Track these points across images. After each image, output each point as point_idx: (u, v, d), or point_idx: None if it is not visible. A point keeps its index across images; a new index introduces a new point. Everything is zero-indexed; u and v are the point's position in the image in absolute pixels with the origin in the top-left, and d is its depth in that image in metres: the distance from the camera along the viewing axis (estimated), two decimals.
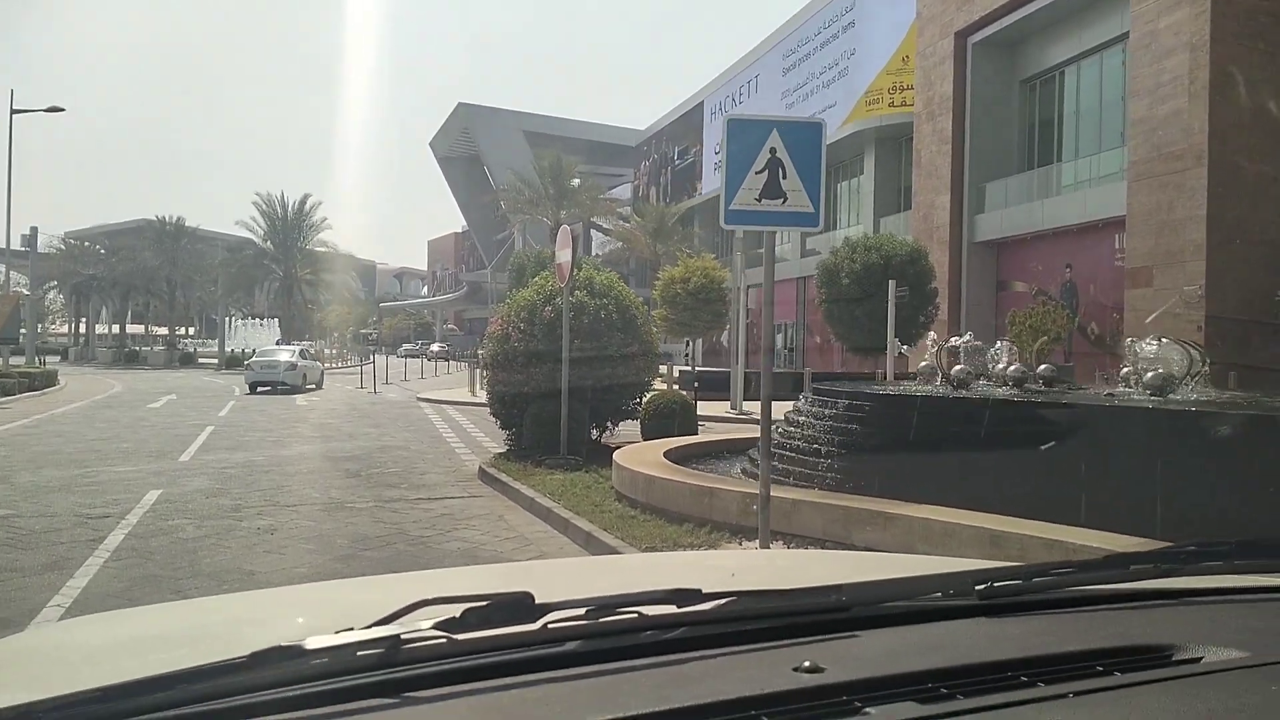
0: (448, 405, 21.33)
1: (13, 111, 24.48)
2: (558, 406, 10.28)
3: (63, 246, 60.04)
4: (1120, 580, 1.34)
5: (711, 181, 51.94)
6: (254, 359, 28.81)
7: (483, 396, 23.37)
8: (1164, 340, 6.33)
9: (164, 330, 58.80)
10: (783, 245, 46.39)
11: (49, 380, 26.67)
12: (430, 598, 1.05)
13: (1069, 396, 6.50)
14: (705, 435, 11.58)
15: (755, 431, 12.71)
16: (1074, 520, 5.01)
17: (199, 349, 59.43)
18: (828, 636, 1.15)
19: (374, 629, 1.01)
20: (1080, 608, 1.31)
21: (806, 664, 1.03)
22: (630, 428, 11.96)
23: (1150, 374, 5.96)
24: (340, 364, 52.78)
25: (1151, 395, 5.97)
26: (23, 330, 34.56)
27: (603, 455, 10.59)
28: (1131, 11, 21.81)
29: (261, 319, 61.34)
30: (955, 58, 31.28)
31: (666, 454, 8.49)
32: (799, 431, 7.61)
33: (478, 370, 26.27)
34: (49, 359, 59.17)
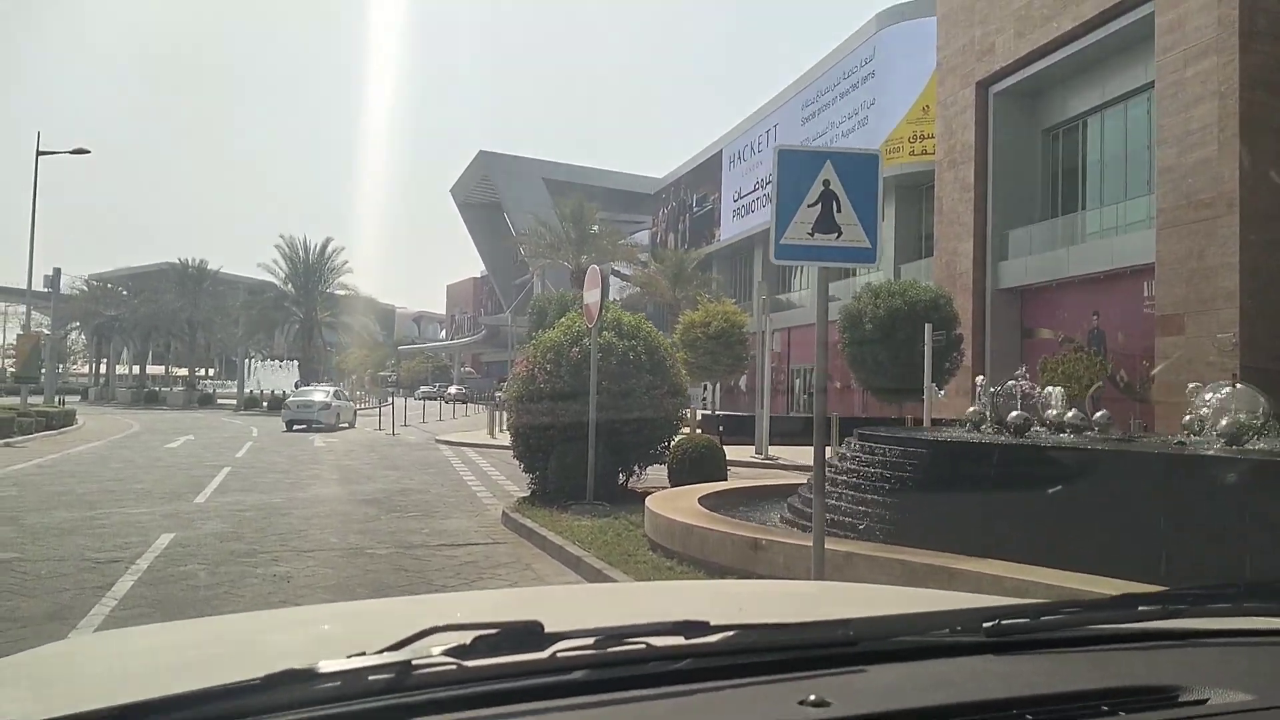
0: (467, 448, 21.01)
1: (39, 154, 24.72)
2: (584, 449, 9.96)
3: (85, 288, 60.63)
4: (1128, 620, 1.34)
5: (730, 228, 52.00)
6: (291, 399, 29.72)
7: (502, 439, 23.24)
8: (1238, 386, 5.96)
9: (184, 371, 58.95)
10: (800, 291, 46.23)
11: (67, 420, 26.56)
12: (441, 625, 1.08)
13: (1139, 444, 6.13)
14: (735, 480, 11.22)
15: (786, 478, 12.49)
16: (1153, 577, 4.63)
17: (218, 390, 59.51)
18: (835, 671, 1.15)
19: (385, 654, 1.02)
20: (1088, 647, 1.31)
21: (813, 698, 1.03)
22: (657, 472, 11.60)
23: (1225, 421, 5.60)
24: (358, 405, 52.71)
25: (1226, 444, 5.60)
26: (42, 370, 34.64)
27: (631, 501, 10.24)
28: (1156, 62, 21.66)
29: (281, 360, 61.48)
30: (977, 107, 31.26)
31: (701, 500, 8.14)
32: (843, 479, 7.25)
33: (497, 412, 26.01)
34: (69, 399, 59.44)
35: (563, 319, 11.40)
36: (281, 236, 43.41)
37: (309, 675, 0.95)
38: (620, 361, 10.40)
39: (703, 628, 1.14)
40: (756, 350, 25.16)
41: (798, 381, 43.83)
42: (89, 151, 25.94)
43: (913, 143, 37.17)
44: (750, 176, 52.55)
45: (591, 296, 10.04)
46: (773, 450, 18.68)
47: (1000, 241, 30.79)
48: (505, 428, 24.99)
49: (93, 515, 9.85)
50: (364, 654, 1.02)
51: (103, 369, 63.70)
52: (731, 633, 1.16)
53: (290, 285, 43.69)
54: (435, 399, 55.66)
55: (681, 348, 32.61)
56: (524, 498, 10.82)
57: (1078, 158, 29.83)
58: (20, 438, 20.86)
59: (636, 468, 11.22)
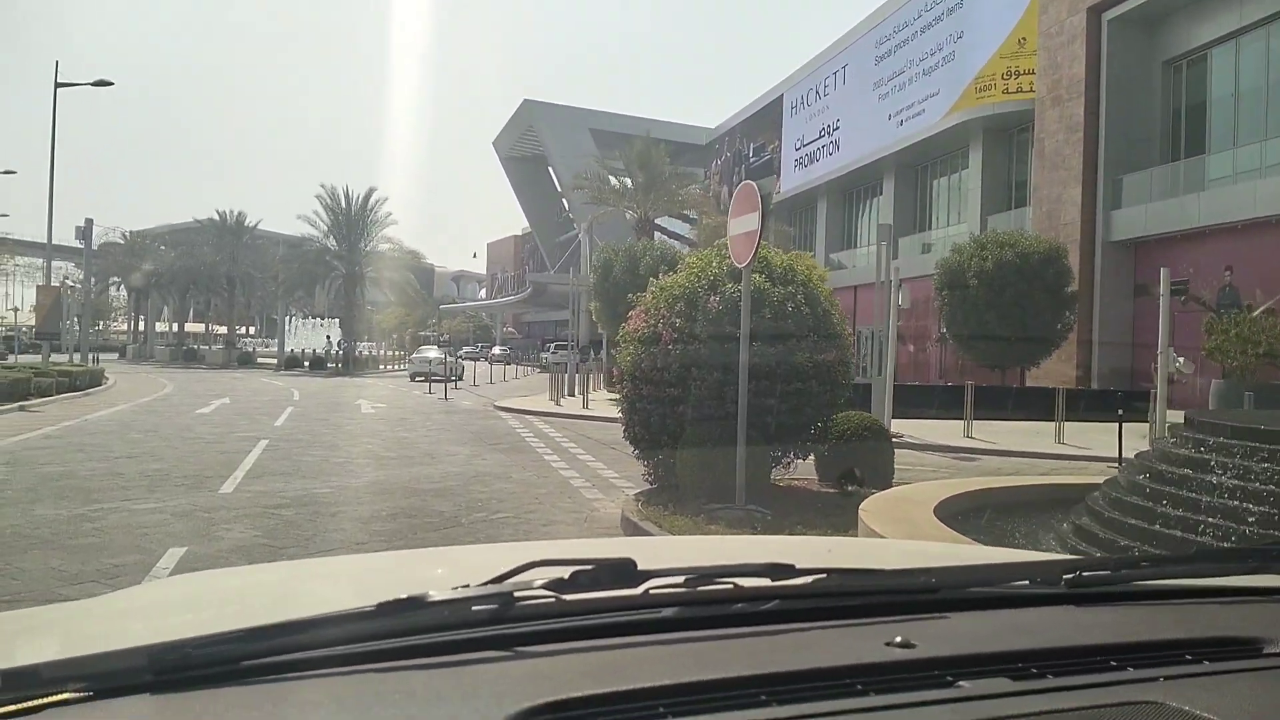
0: (533, 416, 18.57)
1: (56, 85, 22.40)
2: (726, 431, 7.40)
3: (121, 241, 58.97)
4: (1210, 575, 1.34)
5: (792, 179, 48.76)
6: (414, 357, 38.38)
7: (568, 406, 20.86)
8: None
9: (224, 329, 57.22)
10: (865, 248, 43.04)
11: (93, 380, 24.52)
12: (540, 559, 1.11)
13: None
14: (909, 471, 8.61)
15: (986, 465, 10.01)
16: None
17: (258, 349, 57.86)
18: (918, 616, 1.15)
19: (489, 586, 1.05)
20: (1167, 600, 1.30)
21: (898, 639, 1.04)
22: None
23: None
24: (400, 365, 50.62)
25: None
26: (70, 325, 32.74)
27: (789, 503, 7.67)
28: None
29: (322, 319, 59.62)
30: (1088, 36, 27.86)
31: (939, 512, 5.56)
32: (1205, 498, 4.61)
33: (563, 376, 23.52)
34: (107, 356, 58.11)
35: (692, 258, 8.68)
36: (323, 186, 41.07)
37: (418, 603, 1.00)
38: (776, 314, 7.75)
39: (790, 570, 1.15)
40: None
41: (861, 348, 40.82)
42: (111, 83, 23.55)
43: (1006, 79, 33.70)
44: (815, 123, 49.19)
45: (745, 224, 7.35)
46: (898, 425, 16.02)
47: (1113, 188, 27.53)
48: (571, 392, 22.88)
49: (84, 513, 7.46)
50: (468, 586, 1.05)
51: (141, 326, 62.25)
52: (818, 576, 1.17)
53: (332, 239, 41.32)
54: (477, 359, 53.69)
55: None
56: (643, 493, 8.29)
57: (1204, 92, 26.40)
58: (37, 400, 18.74)
59: (791, 457, 8.60)
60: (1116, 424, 16.65)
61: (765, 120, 54.69)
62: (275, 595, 1.54)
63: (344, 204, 41.06)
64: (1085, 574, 1.27)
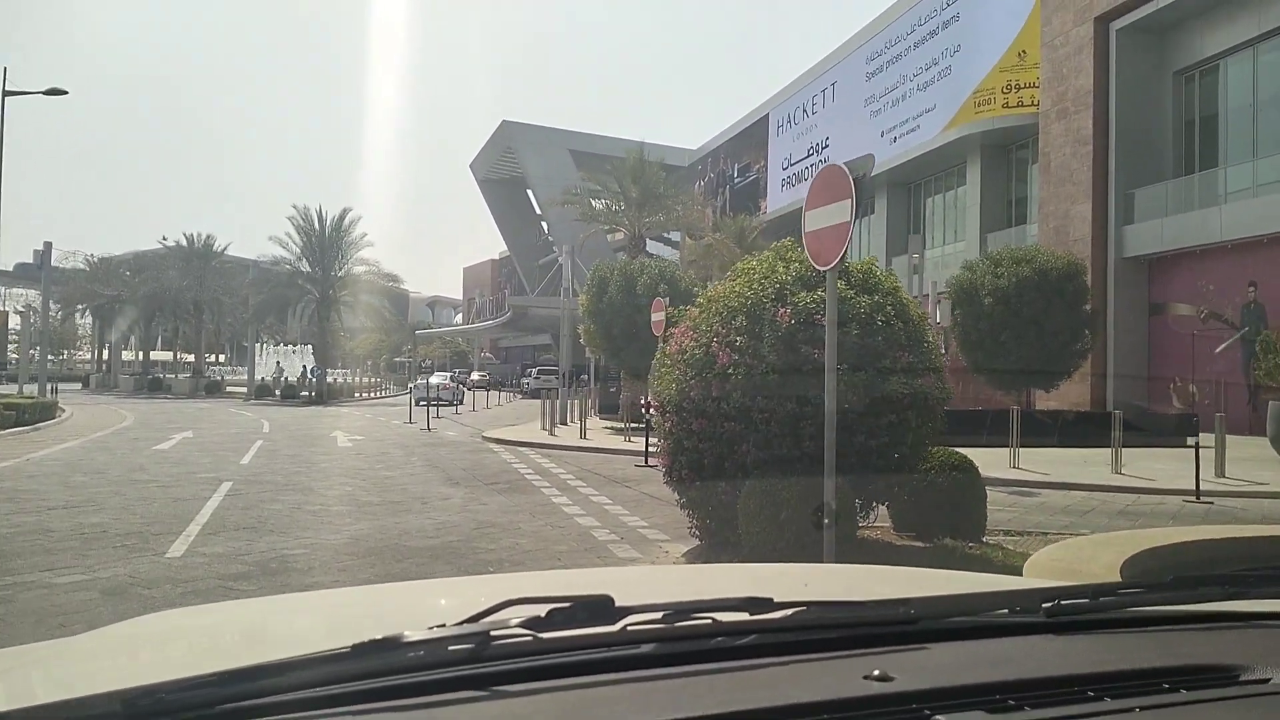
0: (527, 448, 16.94)
1: (4, 93, 20.58)
2: (800, 478, 5.87)
3: (85, 267, 56.80)
4: (1188, 602, 1.34)
5: (779, 198, 47.59)
6: (418, 383, 36.74)
7: (563, 436, 19.40)
8: None
9: (193, 357, 55.01)
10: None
11: (44, 413, 22.59)
12: (517, 597, 1.09)
13: None
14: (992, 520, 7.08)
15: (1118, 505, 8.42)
16: None
17: (228, 377, 55.74)
18: (897, 648, 1.15)
19: (464, 625, 1.06)
20: (1147, 628, 1.30)
21: (876, 673, 1.04)
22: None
23: None
24: (375, 394, 48.69)
25: None
26: (28, 353, 30.77)
27: (875, 561, 6.10)
28: None
29: (295, 345, 57.63)
30: (1096, 46, 26.84)
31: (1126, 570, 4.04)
32: None
33: (553, 404, 21.92)
34: (69, 386, 55.74)
35: (750, 262, 7.10)
36: (295, 206, 39.24)
37: (394, 644, 1.00)
38: (864, 329, 6.22)
39: (767, 605, 1.15)
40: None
41: None
42: (65, 92, 21.82)
43: (1007, 93, 32.69)
44: (803, 141, 48.12)
45: (830, 215, 5.81)
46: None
47: (1125, 202, 26.45)
48: (563, 420, 21.31)
49: None
50: (444, 625, 1.06)
51: (106, 355, 59.90)
52: (795, 610, 1.17)
53: (304, 261, 39.46)
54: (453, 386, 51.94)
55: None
56: (692, 552, 6.71)
57: (1219, 103, 25.40)
58: None
59: (874, 503, 7.03)
60: (1154, 449, 15.42)
61: (750, 140, 53.67)
62: (248, 634, 1.56)
63: (317, 225, 39.27)
64: (1064, 603, 1.27)
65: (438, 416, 24.46)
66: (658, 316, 16.71)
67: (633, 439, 17.15)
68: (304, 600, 2.44)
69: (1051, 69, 29.05)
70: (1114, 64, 26.82)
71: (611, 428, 20.90)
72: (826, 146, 45.48)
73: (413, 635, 1.01)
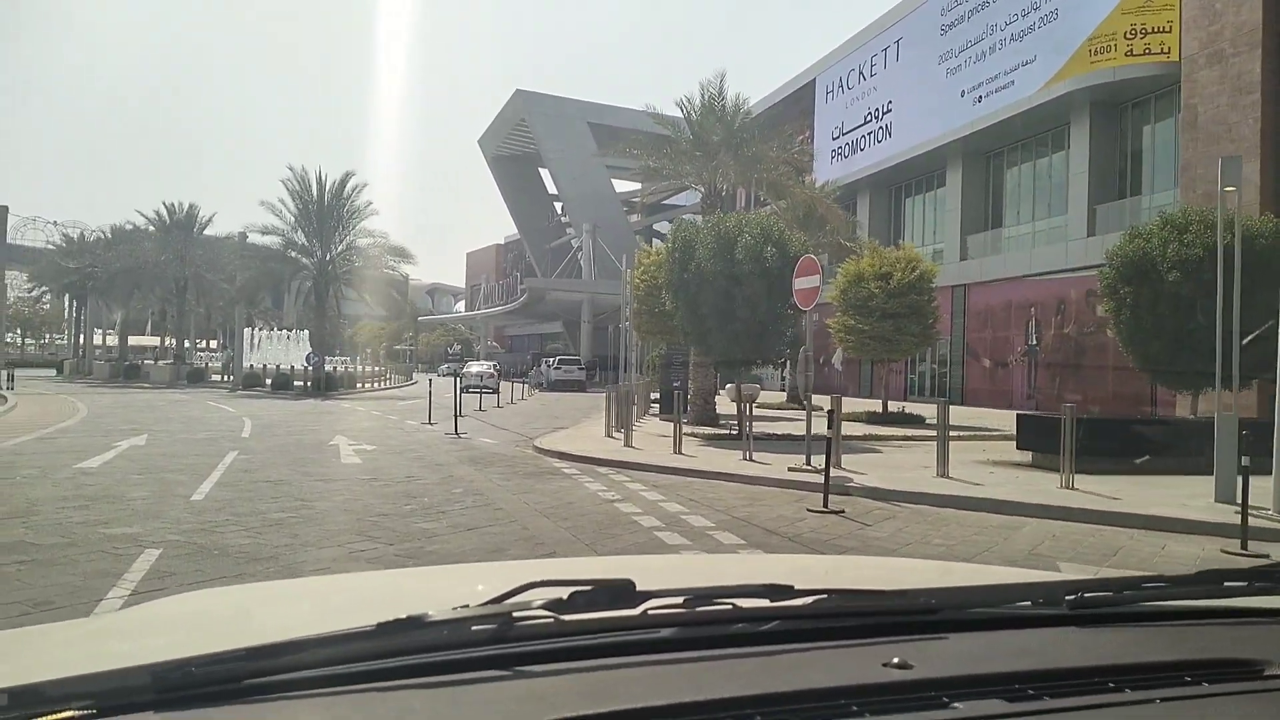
0: (609, 468, 11.96)
1: None
2: None
3: (62, 243, 51.69)
4: (1212, 596, 1.32)
5: (828, 171, 42.38)
6: (464, 371, 36.92)
7: (649, 448, 13.40)
8: None
9: (176, 342, 49.80)
10: (925, 248, 36.82)
11: None
12: (539, 580, 1.09)
13: None
14: None
15: None
16: None
17: (212, 364, 50.70)
18: (916, 637, 1.15)
19: (488, 606, 1.06)
20: (1170, 621, 1.29)
21: (895, 660, 1.04)
22: None
23: None
24: (380, 384, 43.62)
25: None
26: None
27: None
28: None
29: (290, 330, 52.61)
30: None
31: None
32: None
33: (615, 401, 16.82)
34: (43, 373, 50.65)
35: None
36: (290, 169, 33.98)
37: (419, 623, 1.00)
38: None
39: (788, 591, 1.15)
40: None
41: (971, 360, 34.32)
42: None
43: (1131, 39, 27.67)
44: (858, 107, 43.06)
45: None
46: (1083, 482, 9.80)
47: None
48: (627, 424, 16.38)
49: None
50: (468, 606, 1.06)
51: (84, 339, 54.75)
52: (816, 597, 1.17)
53: (300, 232, 34.30)
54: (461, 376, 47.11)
55: (843, 311, 23.47)
56: None
57: None
58: None
59: None
60: None
61: (793, 108, 48.47)
62: (274, 613, 1.54)
63: (315, 191, 34.10)
64: (1087, 595, 1.25)
65: (461, 415, 19.43)
66: (808, 282, 11.74)
67: (757, 456, 12.24)
68: (327, 583, 2.36)
69: (1199, 4, 24.04)
70: None
71: (698, 435, 15.94)
72: (889, 111, 40.48)
73: (437, 615, 1.02)
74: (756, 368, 21.60)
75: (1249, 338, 12.72)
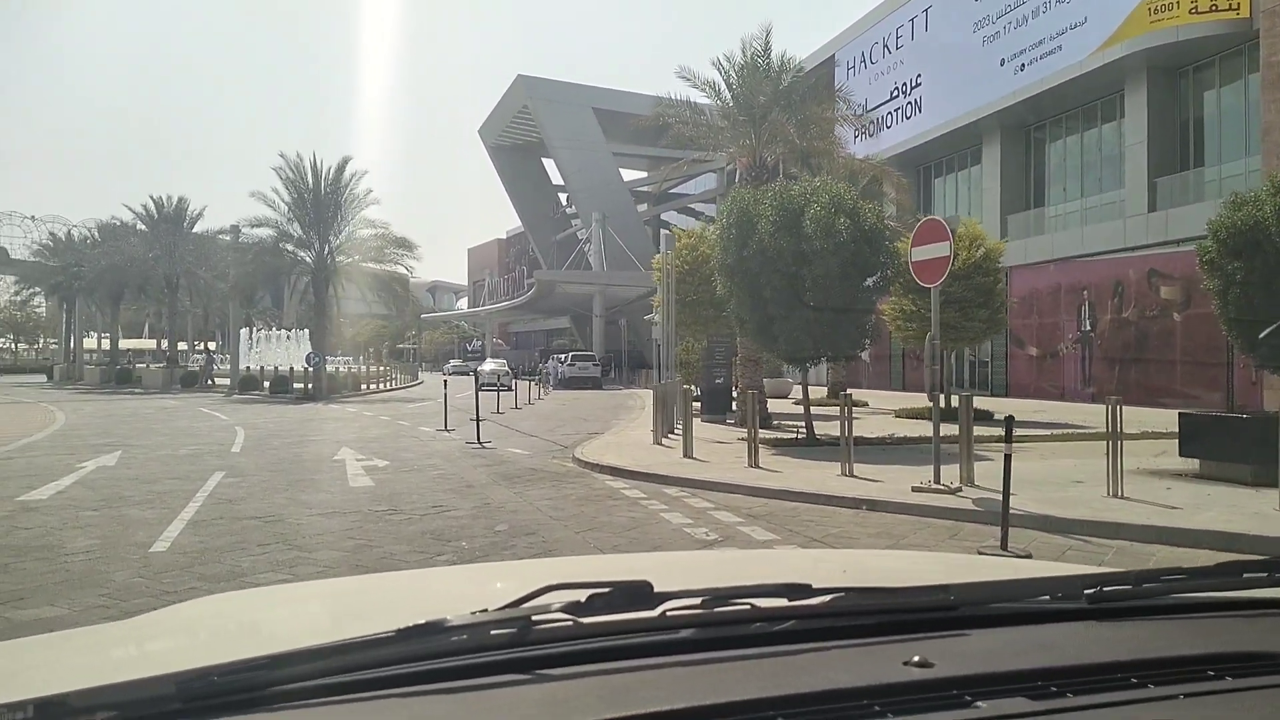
0: (674, 487, 9.72)
1: None
2: None
3: (48, 241, 49.40)
4: (1233, 588, 1.30)
5: (851, 150, 40.17)
6: (479, 369, 38.71)
7: (717, 462, 10.75)
8: None
9: (179, 344, 47.47)
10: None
11: None
12: (557, 583, 1.09)
13: None
14: None
15: None
16: None
17: (211, 367, 48.44)
18: (936, 634, 1.14)
19: (506, 610, 1.06)
20: (1191, 614, 1.27)
21: (916, 659, 1.03)
22: None
23: None
24: (385, 385, 41.35)
25: None
26: None
27: None
28: None
29: (289, 330, 50.32)
30: None
31: None
32: None
33: (663, 396, 14.48)
34: (30, 379, 48.45)
35: None
36: (283, 156, 31.68)
37: (438, 628, 1.00)
38: None
39: (806, 590, 1.14)
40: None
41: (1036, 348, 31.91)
42: None
43: None
44: (882, 83, 40.73)
45: None
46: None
47: None
48: (673, 429, 13.80)
49: None
50: (486, 610, 1.06)
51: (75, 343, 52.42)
52: (834, 595, 1.16)
53: (295, 224, 32.01)
54: (467, 375, 45.02)
55: (901, 294, 21.20)
56: None
57: None
58: None
59: None
60: None
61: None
62: (290, 617, 1.56)
63: (310, 179, 31.79)
64: (1107, 589, 1.24)
65: (475, 418, 17.19)
66: (932, 251, 9.47)
67: (858, 472, 9.99)
68: (345, 585, 2.31)
69: None
70: None
71: (760, 440, 13.66)
72: (918, 86, 38.15)
73: (456, 620, 1.02)
74: (826, 362, 19.27)
75: None
